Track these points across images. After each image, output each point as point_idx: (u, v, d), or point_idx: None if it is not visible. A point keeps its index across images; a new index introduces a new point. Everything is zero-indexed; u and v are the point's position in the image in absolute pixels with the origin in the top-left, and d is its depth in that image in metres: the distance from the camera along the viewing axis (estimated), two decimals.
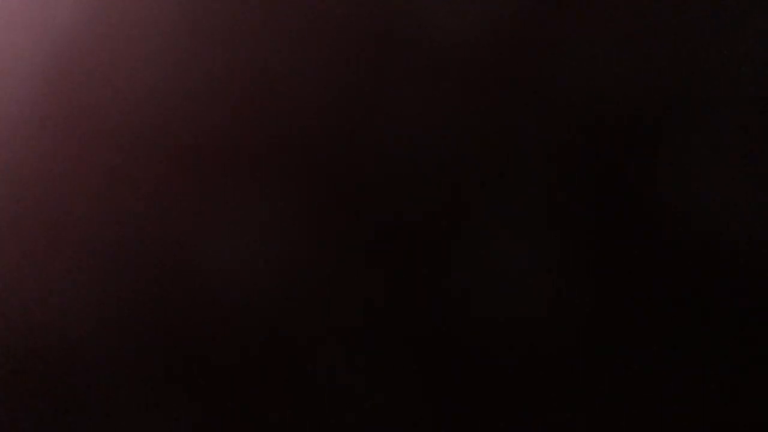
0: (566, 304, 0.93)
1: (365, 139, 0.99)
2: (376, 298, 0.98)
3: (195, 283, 1.03)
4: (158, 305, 1.04)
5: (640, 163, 0.91)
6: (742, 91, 0.88)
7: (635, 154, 0.91)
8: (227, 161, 1.03)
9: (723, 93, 0.89)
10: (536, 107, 0.95)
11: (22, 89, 1.09)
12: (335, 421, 0.99)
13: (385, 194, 0.99)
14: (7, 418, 1.07)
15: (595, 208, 0.93)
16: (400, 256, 0.98)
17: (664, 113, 0.91)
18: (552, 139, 0.94)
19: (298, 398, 1.01)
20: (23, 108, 1.09)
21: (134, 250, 1.05)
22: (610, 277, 0.92)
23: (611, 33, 0.92)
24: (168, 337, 1.04)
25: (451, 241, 0.97)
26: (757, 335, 0.87)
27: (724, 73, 0.89)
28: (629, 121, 0.92)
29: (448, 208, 0.97)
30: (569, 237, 0.93)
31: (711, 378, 0.89)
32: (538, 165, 0.94)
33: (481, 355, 0.96)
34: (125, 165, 1.06)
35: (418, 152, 0.98)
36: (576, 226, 0.93)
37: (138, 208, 1.05)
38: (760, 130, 0.87)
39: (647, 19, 0.91)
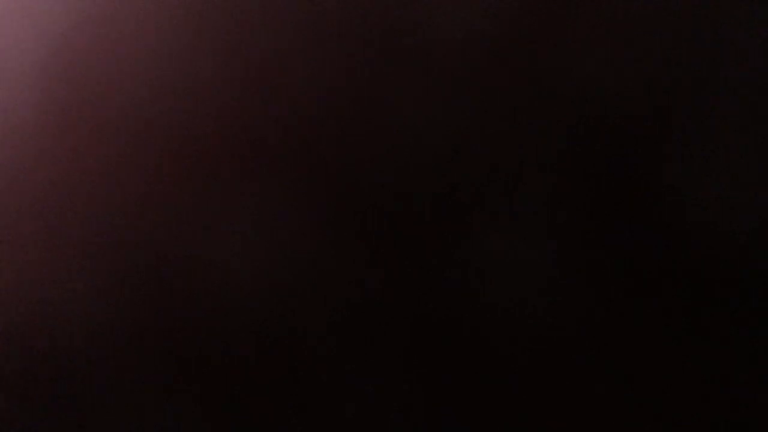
0: (567, 302, 0.93)
1: (367, 136, 1.00)
2: (377, 294, 0.99)
3: (196, 281, 1.04)
4: (159, 304, 1.04)
5: (641, 160, 0.92)
6: (743, 90, 0.88)
7: (636, 152, 0.92)
8: (228, 160, 1.03)
9: (724, 91, 0.89)
10: (538, 106, 0.95)
11: (22, 88, 1.09)
12: (335, 418, 1.00)
13: (386, 192, 0.99)
14: (7, 418, 1.07)
15: (597, 206, 0.93)
16: (401, 253, 0.98)
17: (666, 112, 0.91)
18: (553, 138, 0.94)
19: (298, 397, 1.01)
20: (23, 107, 1.09)
21: (134, 250, 1.05)
22: (611, 274, 0.92)
23: (614, 32, 0.93)
24: (169, 336, 1.04)
25: (452, 238, 0.97)
26: (757, 335, 0.88)
27: (725, 72, 0.89)
28: (630, 118, 0.92)
29: (449, 204, 0.97)
30: (570, 234, 0.93)
31: (711, 377, 0.89)
32: (539, 163, 0.95)
33: (483, 351, 0.96)
34: (126, 164, 1.06)
35: (419, 150, 0.98)
36: (576, 223, 0.93)
37: (138, 207, 1.05)
38: (761, 130, 0.88)
39: (649, 19, 0.92)
